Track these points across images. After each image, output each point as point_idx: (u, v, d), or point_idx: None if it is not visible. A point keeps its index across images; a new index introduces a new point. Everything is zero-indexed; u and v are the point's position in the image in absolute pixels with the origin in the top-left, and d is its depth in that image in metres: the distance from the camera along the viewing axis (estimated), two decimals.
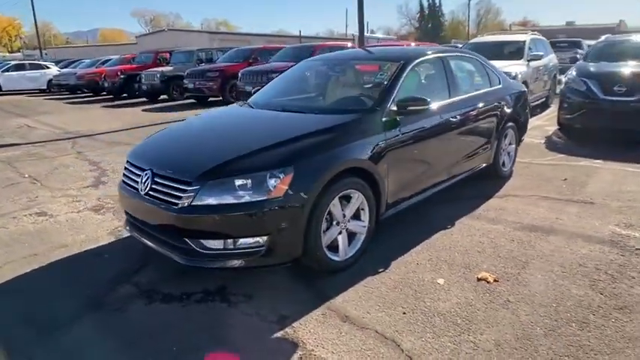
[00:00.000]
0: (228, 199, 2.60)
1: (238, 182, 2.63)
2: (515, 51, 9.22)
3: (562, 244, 3.40)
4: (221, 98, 13.19)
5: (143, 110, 12.93)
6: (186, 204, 2.63)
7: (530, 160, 5.85)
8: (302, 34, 44.80)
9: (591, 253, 3.24)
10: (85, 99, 17.62)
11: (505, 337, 2.35)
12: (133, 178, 3.07)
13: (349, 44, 14.83)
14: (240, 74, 11.83)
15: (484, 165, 4.66)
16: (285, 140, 2.90)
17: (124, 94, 16.76)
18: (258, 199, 2.59)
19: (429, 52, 4.08)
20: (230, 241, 2.66)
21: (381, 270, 3.08)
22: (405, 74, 3.61)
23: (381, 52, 5.11)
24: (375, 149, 3.14)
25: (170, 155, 3.10)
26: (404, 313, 2.58)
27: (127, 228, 3.26)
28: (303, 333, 2.43)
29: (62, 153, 7.31)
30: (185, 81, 13.50)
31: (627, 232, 3.59)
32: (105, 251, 3.53)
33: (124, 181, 3.20)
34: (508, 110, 4.83)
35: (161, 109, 12.99)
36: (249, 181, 2.62)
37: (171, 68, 14.96)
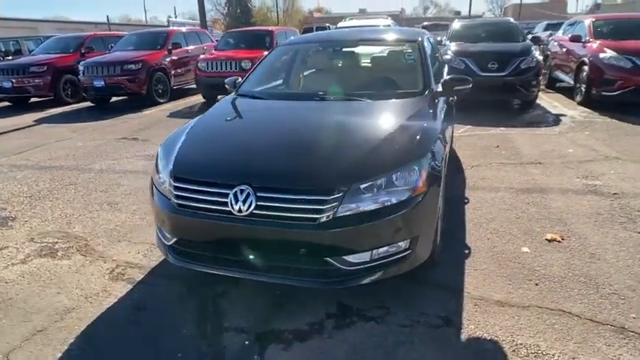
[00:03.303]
0: (375, 203, 2.29)
1: (383, 181, 2.33)
2: None
3: (565, 200, 3.94)
4: (52, 97, 10.98)
5: None
6: (329, 216, 2.22)
7: None
8: (95, 20, 40.11)
9: (591, 203, 3.85)
10: None
11: (628, 283, 2.65)
12: (208, 199, 2.42)
13: (184, 29, 13.93)
14: (81, 67, 10.06)
15: None
16: (396, 130, 2.67)
17: None
18: (406, 197, 2.34)
19: (418, 32, 4.18)
20: (376, 251, 2.35)
21: (467, 251, 3.12)
22: (428, 54, 3.64)
23: (386, 33, 4.91)
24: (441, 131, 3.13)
25: (268, 163, 2.50)
26: (536, 285, 2.69)
27: (178, 259, 2.56)
28: (487, 330, 2.33)
29: None
30: None
31: (592, 182, 4.35)
32: (138, 302, 2.70)
33: (182, 205, 2.48)
34: None
35: None
36: (389, 179, 2.35)
37: None
